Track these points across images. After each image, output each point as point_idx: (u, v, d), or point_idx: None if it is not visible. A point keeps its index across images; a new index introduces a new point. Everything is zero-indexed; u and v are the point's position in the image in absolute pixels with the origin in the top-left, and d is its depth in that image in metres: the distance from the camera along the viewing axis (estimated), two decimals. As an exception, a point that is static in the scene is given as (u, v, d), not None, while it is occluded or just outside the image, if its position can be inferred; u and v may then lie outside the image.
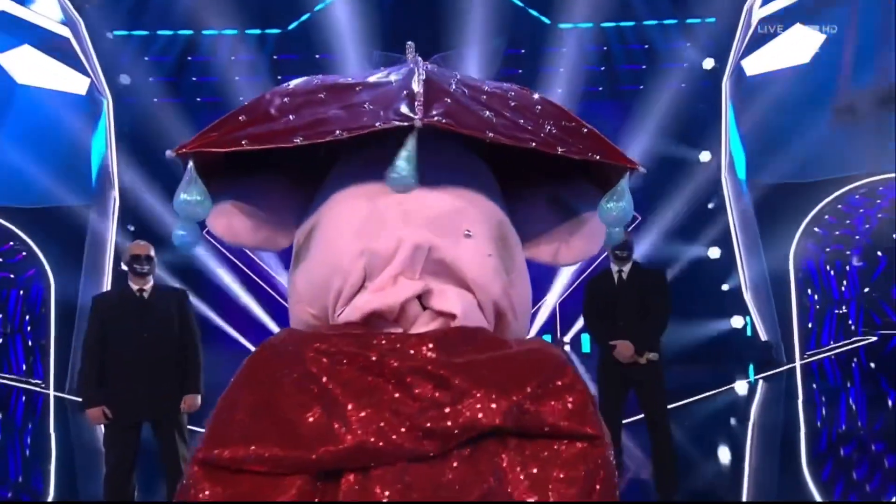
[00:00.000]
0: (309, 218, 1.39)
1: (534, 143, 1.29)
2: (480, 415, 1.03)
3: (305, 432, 1.02)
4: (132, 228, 9.28)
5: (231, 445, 1.03)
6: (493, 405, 1.04)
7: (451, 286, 1.25)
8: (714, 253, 9.66)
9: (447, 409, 1.04)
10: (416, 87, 1.28)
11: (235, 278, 10.34)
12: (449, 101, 1.28)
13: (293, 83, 1.42)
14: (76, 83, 8.70)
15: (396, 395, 1.05)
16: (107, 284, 8.77)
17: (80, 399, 3.48)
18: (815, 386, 7.73)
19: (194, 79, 9.97)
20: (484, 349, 1.14)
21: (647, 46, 9.97)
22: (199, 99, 10.15)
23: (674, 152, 9.60)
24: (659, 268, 4.07)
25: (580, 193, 1.53)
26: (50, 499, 4.40)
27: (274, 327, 10.38)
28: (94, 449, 5.97)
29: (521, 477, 1.03)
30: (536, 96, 1.45)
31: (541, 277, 10.40)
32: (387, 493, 0.99)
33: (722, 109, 9.48)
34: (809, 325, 8.94)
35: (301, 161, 1.43)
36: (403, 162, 1.19)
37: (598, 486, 1.05)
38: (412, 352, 1.11)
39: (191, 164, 1.30)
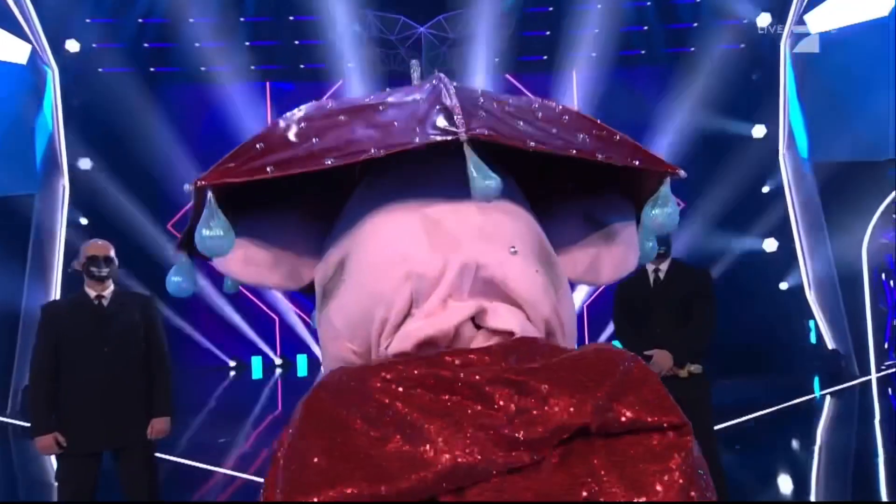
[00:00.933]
0: (334, 249, 1.51)
1: (574, 151, 1.44)
2: (568, 415, 1.17)
3: (390, 464, 1.11)
4: (85, 222, 9.40)
5: (314, 491, 1.09)
6: (580, 404, 1.17)
7: (502, 304, 1.39)
8: (770, 245, 9.70)
9: (535, 413, 1.16)
10: (450, 100, 1.41)
11: (209, 280, 10.44)
12: (484, 114, 1.43)
13: (302, 109, 1.54)
14: (15, 51, 8.79)
15: (479, 407, 1.17)
16: (56, 289, 8.89)
17: (27, 424, 3.56)
18: (894, 403, 7.75)
19: (146, 45, 10.03)
20: (551, 355, 1.28)
21: (696, 0, 9.99)
22: (152, 69, 10.19)
23: (723, 126, 9.64)
24: (702, 266, 4.12)
25: (611, 207, 1.68)
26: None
27: (254, 337, 10.50)
28: (43, 483, 6.08)
29: (618, 478, 1.15)
30: (560, 107, 1.60)
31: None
32: None
33: (780, 74, 9.48)
34: (887, 331, 8.96)
35: (312, 193, 1.57)
36: (479, 174, 1.33)
37: (695, 475, 1.18)
38: (484, 364, 1.24)
39: (211, 196, 1.43)
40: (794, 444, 6.46)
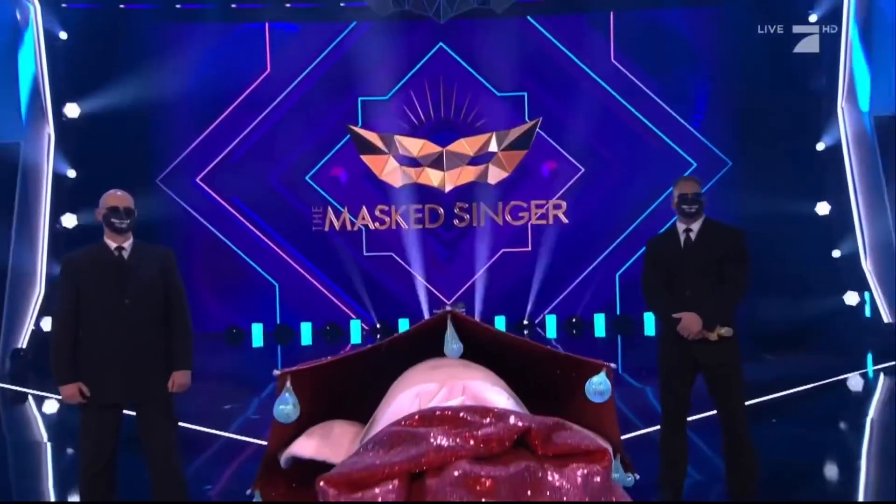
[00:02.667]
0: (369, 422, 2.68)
1: (534, 346, 2.78)
2: (517, 427, 2.18)
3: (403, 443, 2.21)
4: (73, 175, 9.83)
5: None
6: (524, 421, 2.21)
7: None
8: (823, 209, 9.98)
9: (497, 424, 2.18)
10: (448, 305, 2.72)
11: (219, 242, 10.85)
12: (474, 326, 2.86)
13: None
14: (-7, -17, 9.13)
15: (458, 422, 2.23)
16: (43, 248, 9.37)
17: (19, 389, 3.90)
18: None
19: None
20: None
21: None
22: (123, 5, 10.35)
23: (773, 75, 9.83)
24: (736, 226, 4.38)
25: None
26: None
27: (254, 303, 10.97)
28: (32, 444, 6.58)
29: (553, 466, 2.09)
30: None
31: (595, 238, 10.79)
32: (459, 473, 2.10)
33: (843, 17, 9.64)
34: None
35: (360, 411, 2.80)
36: (451, 338, 2.73)
37: (608, 479, 2.11)
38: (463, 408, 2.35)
39: (289, 380, 2.66)
40: (842, 422, 6.76)
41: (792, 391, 7.16)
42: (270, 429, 2.76)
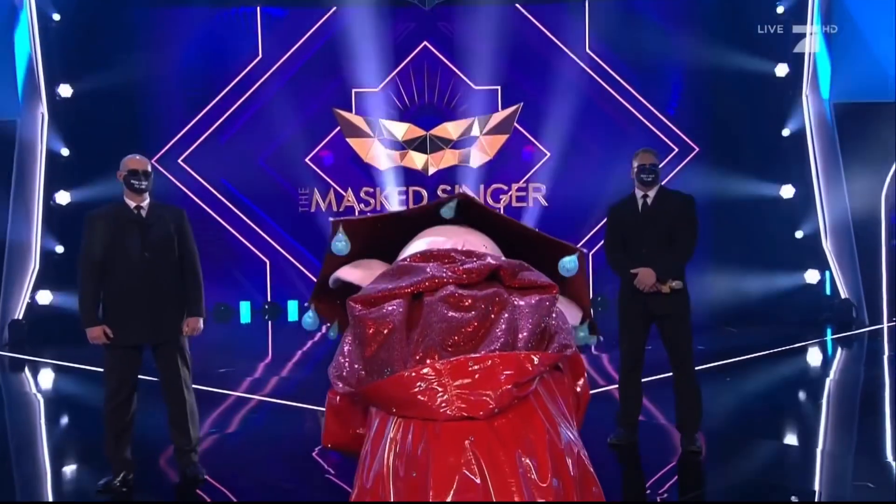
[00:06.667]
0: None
1: (526, 228, 3.53)
2: (491, 261, 3.09)
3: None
4: (66, 153, 10.25)
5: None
6: (497, 261, 3.09)
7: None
8: (787, 192, 10.58)
9: (475, 262, 3.09)
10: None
11: (212, 221, 11.28)
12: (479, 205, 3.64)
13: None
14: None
15: (446, 260, 3.14)
16: (38, 223, 9.83)
17: (19, 356, 4.31)
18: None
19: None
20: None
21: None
22: None
23: (741, 64, 10.43)
24: (687, 193, 4.98)
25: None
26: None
27: (243, 281, 11.43)
28: (28, 404, 7.05)
29: (519, 294, 2.89)
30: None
31: (573, 219, 11.35)
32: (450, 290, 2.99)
33: (808, 9, 10.24)
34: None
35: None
36: (448, 209, 3.56)
37: (553, 303, 2.93)
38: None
39: (341, 227, 3.46)
40: (791, 378, 7.38)
41: (749, 356, 7.81)
42: (324, 261, 3.51)
